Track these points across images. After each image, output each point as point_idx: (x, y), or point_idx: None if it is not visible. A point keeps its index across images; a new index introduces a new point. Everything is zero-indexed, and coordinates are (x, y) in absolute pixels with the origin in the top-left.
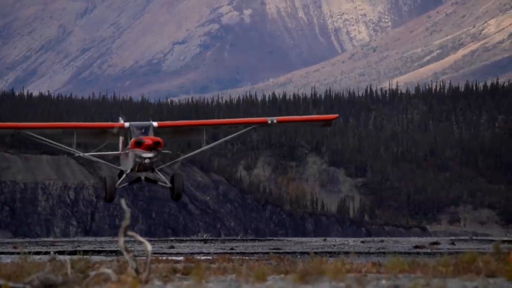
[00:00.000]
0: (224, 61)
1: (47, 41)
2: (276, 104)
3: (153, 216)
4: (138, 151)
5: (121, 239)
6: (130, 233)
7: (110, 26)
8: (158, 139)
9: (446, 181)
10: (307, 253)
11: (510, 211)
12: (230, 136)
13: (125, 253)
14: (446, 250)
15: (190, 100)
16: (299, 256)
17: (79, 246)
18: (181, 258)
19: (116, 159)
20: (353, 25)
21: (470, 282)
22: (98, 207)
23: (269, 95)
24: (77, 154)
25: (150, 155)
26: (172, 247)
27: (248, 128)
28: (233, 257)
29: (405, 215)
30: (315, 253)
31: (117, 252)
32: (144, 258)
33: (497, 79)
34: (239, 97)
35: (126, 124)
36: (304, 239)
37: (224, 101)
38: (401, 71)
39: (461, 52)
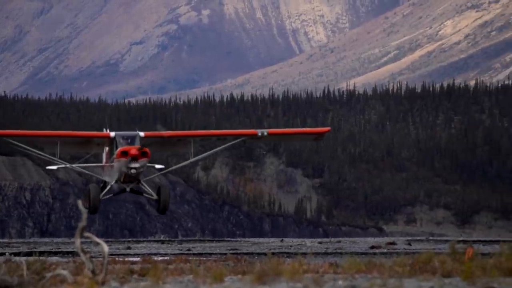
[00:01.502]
0: (182, 62)
1: (3, 41)
2: (234, 105)
3: (110, 217)
4: (124, 161)
5: (78, 240)
6: (86, 234)
7: (67, 26)
8: (145, 149)
9: (403, 182)
10: (265, 253)
11: (466, 211)
12: (218, 148)
13: (81, 254)
14: (403, 250)
15: (147, 101)
16: (256, 257)
17: (35, 247)
18: (138, 259)
19: (100, 170)
20: (311, 26)
21: (426, 282)
22: (54, 208)
23: (227, 96)
24: (64, 166)
25: (136, 165)
26: (129, 248)
27: (238, 140)
28: (190, 258)
29: (362, 215)
30: (273, 253)
31: (73, 253)
32: (101, 259)
33: (454, 80)
34: (197, 98)
35: (112, 134)
36: (261, 239)
37: (182, 102)
38: (358, 72)
39: (418, 53)
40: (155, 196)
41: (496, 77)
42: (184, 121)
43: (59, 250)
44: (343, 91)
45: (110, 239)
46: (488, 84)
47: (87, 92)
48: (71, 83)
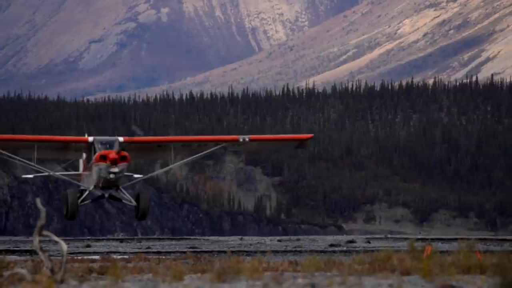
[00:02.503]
0: (141, 60)
1: None
2: (194, 103)
3: None
4: (103, 165)
5: (36, 239)
6: (45, 232)
7: (25, 24)
8: (125, 153)
9: (362, 180)
10: (224, 252)
11: (424, 209)
12: (199, 155)
13: (40, 253)
14: (362, 248)
15: (106, 99)
16: (216, 255)
17: None
18: (97, 257)
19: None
20: (270, 24)
21: (385, 280)
22: (12, 206)
23: (187, 94)
24: (45, 174)
25: (115, 169)
26: (88, 246)
27: (218, 146)
28: (149, 256)
29: (321, 213)
30: (232, 252)
31: (32, 252)
32: (59, 257)
33: (412, 78)
34: (156, 96)
35: (90, 139)
36: (221, 238)
37: (141, 100)
38: (317, 70)
39: (377, 52)
40: (134, 203)
41: (454, 75)
42: (143, 119)
43: (18, 248)
44: (302, 90)
45: (69, 238)
46: (446, 83)
47: (45, 90)
48: (30, 81)
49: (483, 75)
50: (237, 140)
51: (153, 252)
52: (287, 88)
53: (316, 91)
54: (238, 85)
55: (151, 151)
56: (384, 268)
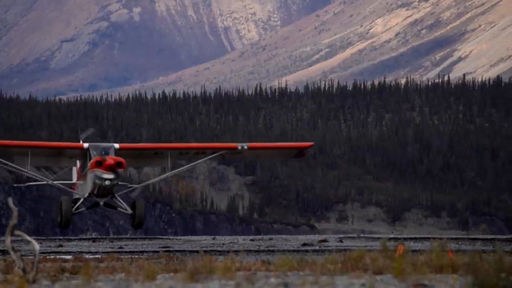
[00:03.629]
0: (114, 59)
1: None
2: (166, 103)
3: (41, 214)
4: (98, 171)
5: (8, 238)
6: (17, 232)
7: None
8: (121, 159)
9: (334, 179)
10: (197, 251)
11: (397, 208)
12: (196, 162)
13: (12, 253)
14: (334, 247)
15: (78, 98)
16: (188, 255)
17: None
18: (69, 257)
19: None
20: (242, 23)
21: (357, 279)
22: None
23: (159, 94)
24: (45, 182)
25: (111, 176)
26: (60, 246)
27: (216, 154)
28: (122, 256)
29: (294, 213)
30: (205, 251)
31: (3, 252)
32: (31, 257)
33: (384, 78)
34: (128, 95)
35: (85, 145)
36: (193, 237)
37: (113, 99)
38: (290, 70)
39: (349, 51)
40: (129, 211)
41: (427, 75)
42: (115, 119)
43: None
44: (275, 89)
45: (41, 237)
46: (418, 82)
47: (17, 89)
48: (1, 80)
49: (455, 75)
50: (235, 148)
51: (126, 252)
52: (260, 87)
53: (288, 90)
54: (211, 84)
55: (148, 159)
56: (357, 267)
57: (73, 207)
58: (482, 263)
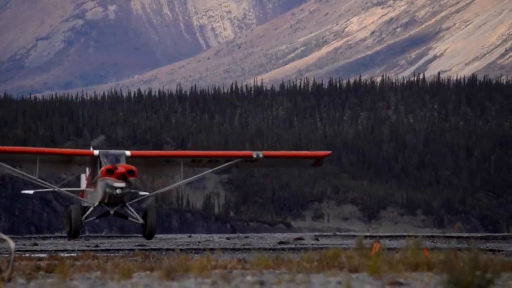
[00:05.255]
0: (89, 57)
1: None
2: (142, 101)
3: (16, 213)
4: (109, 180)
5: None
6: None
7: None
8: (132, 167)
9: (310, 178)
10: (173, 249)
11: (372, 207)
12: (209, 171)
13: None
14: (310, 245)
15: (54, 96)
16: (164, 253)
17: None
18: (44, 255)
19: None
20: (218, 22)
21: (333, 277)
22: None
23: (135, 92)
24: (49, 189)
25: (122, 185)
26: (35, 244)
27: (231, 163)
28: (98, 254)
29: (270, 211)
30: (181, 249)
31: None
32: (7, 255)
33: (360, 76)
34: (104, 93)
35: (96, 152)
36: (169, 235)
37: (88, 97)
38: (265, 68)
39: (324, 50)
40: (140, 221)
41: (402, 73)
42: (91, 117)
43: None
44: (250, 87)
45: (16, 236)
46: (394, 81)
47: None
48: None
49: (430, 73)
50: (250, 156)
51: (101, 250)
52: (236, 85)
53: (264, 89)
54: (186, 82)
55: (159, 167)
56: (333, 265)
57: (82, 215)
58: (457, 261)
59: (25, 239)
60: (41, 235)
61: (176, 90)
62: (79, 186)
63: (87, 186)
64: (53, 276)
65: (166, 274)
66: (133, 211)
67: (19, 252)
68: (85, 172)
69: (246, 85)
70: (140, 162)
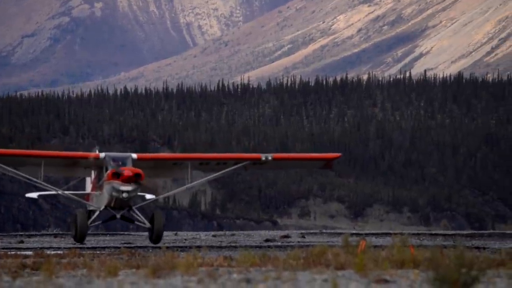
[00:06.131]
0: (75, 55)
1: None
2: (128, 98)
3: (2, 211)
4: (116, 183)
5: None
6: None
7: None
8: (139, 170)
9: (297, 175)
10: (159, 247)
11: (359, 204)
12: (217, 174)
13: None
14: (297, 243)
15: (40, 94)
16: (150, 251)
17: None
18: (30, 253)
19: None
20: (204, 19)
21: (319, 275)
22: None
23: (121, 89)
24: (55, 192)
25: (128, 188)
26: (21, 242)
27: (240, 165)
28: (84, 252)
29: (256, 209)
30: (167, 247)
31: None
32: None
33: (346, 74)
34: (90, 91)
35: (101, 155)
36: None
37: (75, 95)
38: (252, 66)
39: (311, 47)
40: (147, 224)
41: (388, 71)
42: (77, 114)
43: None
44: (237, 85)
45: (2, 233)
46: (380, 78)
47: None
48: None
49: (416, 71)
50: (259, 159)
51: (88, 248)
52: (222, 83)
53: (251, 86)
54: (173, 80)
55: (166, 170)
56: (319, 263)
57: (88, 220)
58: (443, 258)
59: (10, 237)
60: (27, 233)
61: (163, 88)
62: (79, 189)
63: (92, 190)
64: (39, 273)
65: (153, 272)
66: (139, 215)
67: (5, 250)
68: (90, 176)
69: (233, 83)
70: (147, 165)
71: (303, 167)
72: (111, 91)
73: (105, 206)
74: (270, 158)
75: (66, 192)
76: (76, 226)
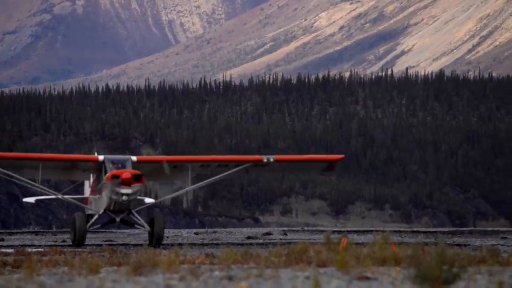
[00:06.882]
0: (57, 52)
1: None
2: (110, 96)
3: None
4: (115, 186)
5: None
6: None
7: None
8: (139, 173)
9: (279, 173)
10: (140, 245)
11: (340, 202)
12: (218, 176)
13: None
14: (278, 240)
15: (21, 91)
16: (132, 248)
17: None
18: (11, 250)
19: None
20: (186, 16)
21: (301, 272)
22: None
23: (103, 87)
24: (52, 197)
25: (128, 191)
26: (2, 239)
27: (241, 167)
28: (65, 250)
29: (238, 206)
30: (148, 244)
31: None
32: None
33: (329, 71)
34: (72, 89)
35: (100, 157)
36: (137, 230)
37: (56, 93)
38: (234, 63)
39: (293, 45)
40: (147, 228)
41: (370, 69)
42: (59, 112)
43: None
44: (219, 82)
45: None
46: (362, 76)
47: None
48: None
49: (398, 68)
50: (261, 160)
51: (69, 245)
52: (204, 80)
53: (233, 84)
54: (155, 77)
55: (166, 172)
56: (301, 260)
57: (87, 223)
58: (424, 256)
59: None
60: (7, 231)
61: (145, 85)
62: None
63: (91, 193)
64: (20, 271)
65: (134, 270)
66: (139, 218)
67: None
68: (89, 179)
69: (215, 80)
70: (147, 167)
71: (306, 169)
72: (92, 89)
73: (104, 210)
74: (272, 160)
75: (66, 196)
76: (75, 230)
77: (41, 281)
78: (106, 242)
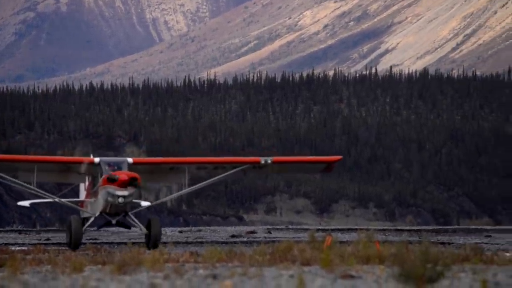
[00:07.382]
0: (40, 50)
1: None
2: (94, 94)
3: None
4: (111, 188)
5: None
6: None
7: None
8: (135, 174)
9: None
10: (125, 243)
11: (325, 200)
12: (216, 178)
13: None
14: (263, 239)
15: (5, 89)
16: (116, 247)
17: None
18: None
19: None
20: (171, 15)
21: (286, 271)
22: None
23: (87, 85)
24: (48, 200)
25: (125, 193)
26: None
27: (238, 169)
28: (49, 248)
29: (223, 204)
30: (133, 243)
31: None
32: None
33: (313, 70)
34: (55, 87)
35: (96, 160)
36: (121, 229)
37: (40, 91)
38: (219, 62)
39: (277, 43)
40: (144, 230)
41: (354, 67)
42: (42, 110)
43: None
44: (203, 81)
45: None
46: (346, 74)
47: None
48: None
49: (382, 67)
50: (258, 162)
51: (53, 244)
52: (189, 79)
53: (217, 82)
54: (139, 76)
55: (163, 174)
56: (285, 258)
57: (83, 226)
58: (408, 254)
59: None
60: None
61: (129, 84)
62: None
63: (87, 196)
64: (4, 270)
65: (118, 268)
66: (136, 220)
67: None
68: (84, 181)
69: (199, 79)
70: (143, 169)
71: (303, 170)
72: (76, 87)
73: (101, 212)
74: (269, 161)
75: (62, 199)
76: (71, 233)
77: (25, 279)
78: (90, 241)
